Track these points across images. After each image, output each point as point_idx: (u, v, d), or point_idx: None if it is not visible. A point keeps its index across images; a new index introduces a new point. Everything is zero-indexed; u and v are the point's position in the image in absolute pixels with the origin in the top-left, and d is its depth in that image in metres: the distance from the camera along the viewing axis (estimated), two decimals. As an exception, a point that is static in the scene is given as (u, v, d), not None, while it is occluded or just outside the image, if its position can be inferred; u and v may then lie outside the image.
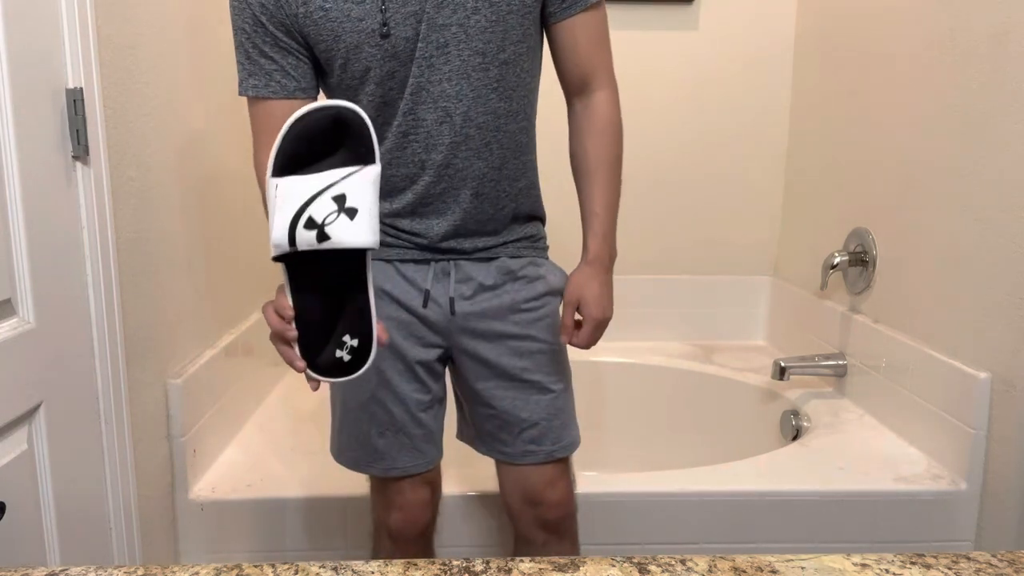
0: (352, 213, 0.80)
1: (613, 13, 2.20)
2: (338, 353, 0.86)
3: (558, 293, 1.24)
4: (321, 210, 0.79)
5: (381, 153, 1.11)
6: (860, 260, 1.91)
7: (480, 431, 1.27)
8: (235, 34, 1.09)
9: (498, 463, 1.28)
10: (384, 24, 1.05)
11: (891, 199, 1.81)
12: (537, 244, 1.25)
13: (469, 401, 1.27)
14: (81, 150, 1.18)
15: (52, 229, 1.13)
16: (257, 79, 1.09)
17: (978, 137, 1.52)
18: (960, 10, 1.57)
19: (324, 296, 0.86)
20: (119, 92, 1.31)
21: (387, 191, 1.15)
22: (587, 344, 1.20)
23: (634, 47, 2.25)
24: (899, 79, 1.77)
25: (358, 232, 0.80)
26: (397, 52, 1.07)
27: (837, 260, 1.91)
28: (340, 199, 0.80)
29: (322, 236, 0.79)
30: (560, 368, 1.25)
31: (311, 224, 0.79)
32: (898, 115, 1.78)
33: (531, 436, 1.23)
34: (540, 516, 1.26)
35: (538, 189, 1.25)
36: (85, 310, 1.22)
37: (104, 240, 1.24)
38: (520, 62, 1.13)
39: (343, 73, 1.09)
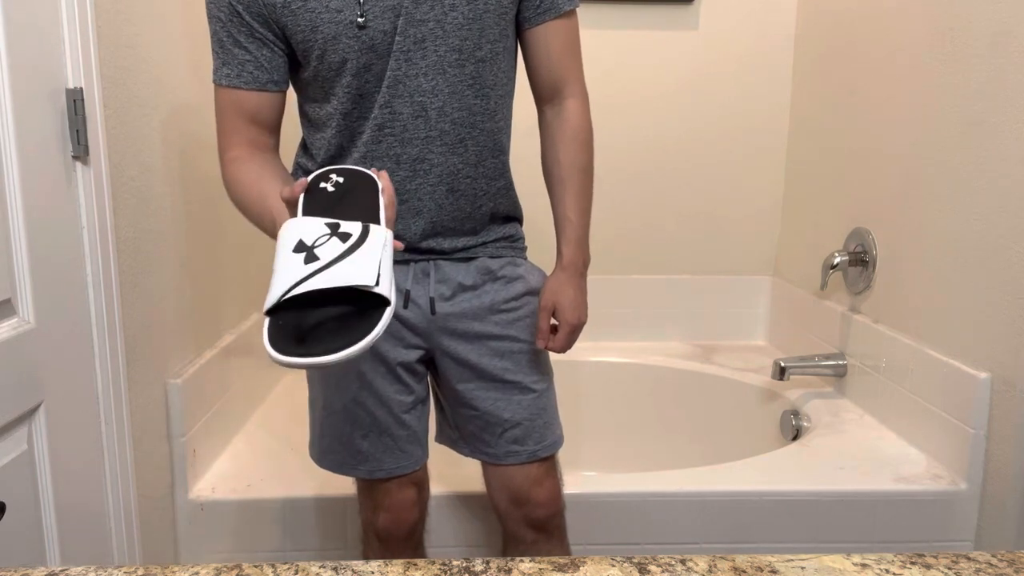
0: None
1: (613, 13, 2.22)
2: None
3: (537, 293, 1.25)
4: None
5: (357, 147, 1.13)
6: (860, 260, 1.91)
7: (463, 432, 1.28)
8: (210, 22, 1.09)
9: (483, 464, 1.29)
10: (362, 15, 1.06)
11: (891, 199, 1.81)
12: (516, 244, 1.27)
13: (451, 402, 1.27)
14: (81, 150, 1.18)
15: (52, 229, 1.13)
16: (230, 68, 1.10)
17: (978, 137, 1.52)
18: (960, 10, 1.57)
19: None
20: (119, 92, 1.31)
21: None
22: (563, 348, 1.23)
23: (634, 47, 2.25)
24: (899, 79, 1.77)
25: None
26: (375, 44, 1.08)
27: (837, 260, 1.92)
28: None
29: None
30: (541, 368, 1.25)
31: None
32: (898, 115, 1.78)
33: (514, 436, 1.23)
34: (528, 515, 1.26)
35: (515, 190, 1.26)
36: (85, 310, 1.22)
37: (104, 240, 1.24)
38: (497, 61, 1.14)
39: (320, 64, 1.09)
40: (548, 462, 1.27)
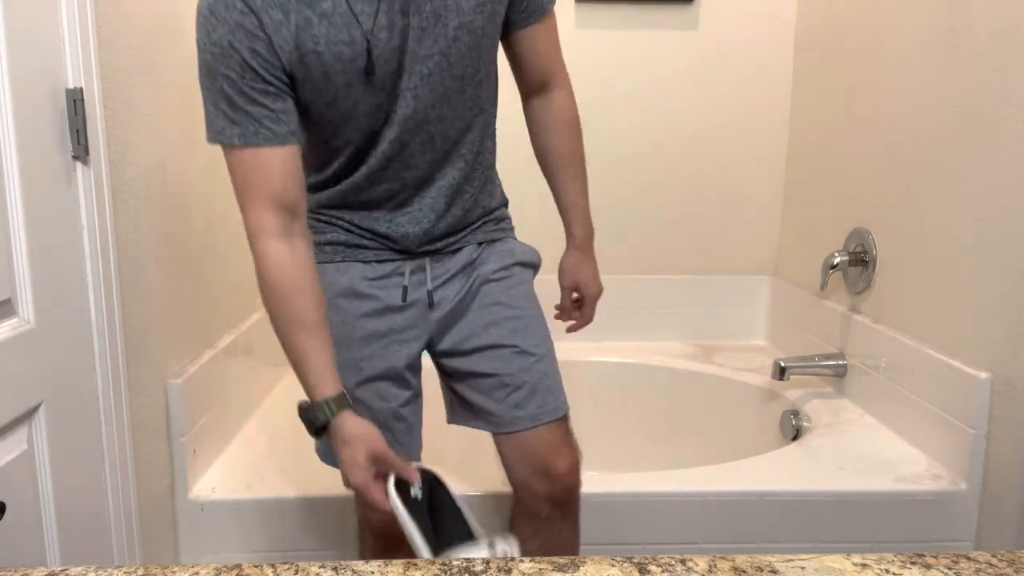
0: None
1: (613, 13, 2.23)
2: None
3: (529, 266, 1.30)
4: None
5: (362, 172, 1.14)
6: (860, 260, 1.91)
7: (471, 407, 1.28)
8: (213, 80, 1.01)
9: (495, 438, 1.27)
10: (370, 63, 1.05)
11: (891, 199, 1.81)
12: (502, 224, 1.30)
13: (454, 378, 1.28)
14: (81, 150, 1.18)
15: (52, 229, 1.13)
16: (244, 127, 1.03)
17: (978, 137, 1.52)
18: (960, 10, 1.57)
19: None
20: (119, 92, 1.31)
21: (365, 203, 1.18)
22: (590, 320, 1.37)
23: (634, 47, 2.25)
24: (899, 79, 1.77)
25: None
26: (385, 85, 1.08)
27: (837, 260, 1.92)
28: None
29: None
30: (538, 334, 1.26)
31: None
32: (898, 115, 1.78)
33: (516, 400, 1.23)
34: (548, 487, 1.24)
35: (499, 179, 1.31)
36: (85, 310, 1.22)
37: (104, 240, 1.24)
38: (490, 78, 1.18)
39: (328, 110, 1.08)
40: (561, 429, 1.25)
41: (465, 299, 1.24)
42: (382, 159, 1.13)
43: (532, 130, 1.30)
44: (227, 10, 0.99)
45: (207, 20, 1.00)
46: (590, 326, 1.37)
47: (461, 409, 1.31)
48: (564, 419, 1.27)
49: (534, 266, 1.32)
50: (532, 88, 1.27)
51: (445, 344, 1.25)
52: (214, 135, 1.05)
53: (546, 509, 1.26)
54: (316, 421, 1.08)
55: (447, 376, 1.30)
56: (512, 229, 1.33)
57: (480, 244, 1.27)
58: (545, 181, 1.33)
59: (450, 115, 1.13)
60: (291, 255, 1.07)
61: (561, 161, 1.29)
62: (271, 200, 1.05)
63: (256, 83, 1.02)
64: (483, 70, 1.14)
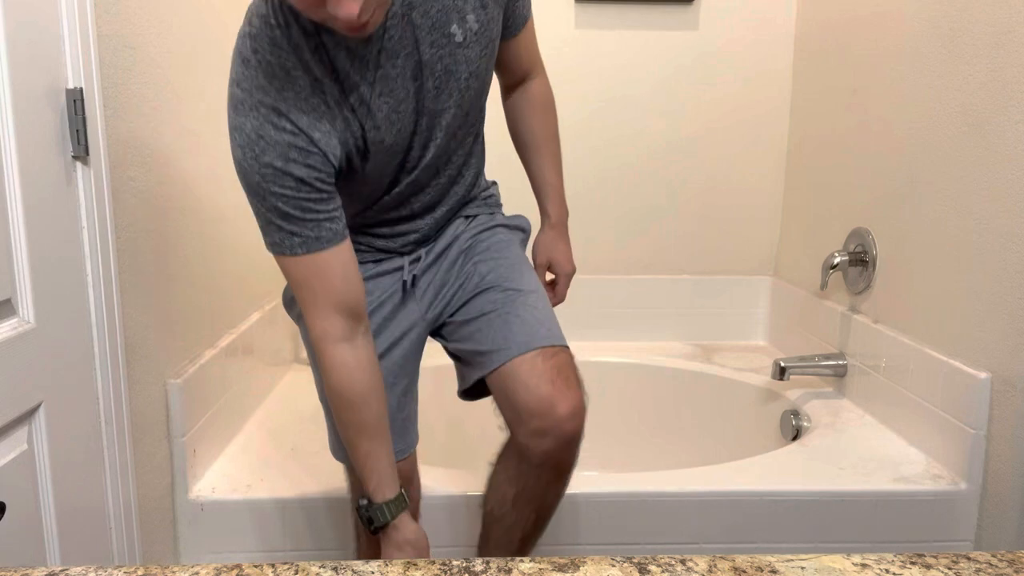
0: None
1: (613, 13, 2.22)
2: None
3: (516, 229, 1.32)
4: None
5: (375, 209, 1.17)
6: (860, 260, 1.91)
7: (467, 361, 1.23)
8: (264, 199, 1.01)
9: (490, 383, 1.19)
10: (386, 144, 1.06)
11: (891, 199, 1.81)
12: (488, 201, 1.32)
13: (451, 340, 1.26)
14: (81, 150, 1.18)
15: (52, 229, 1.13)
16: (303, 236, 1.03)
17: (978, 137, 1.52)
18: (960, 10, 1.57)
19: None
20: (119, 92, 1.31)
21: (371, 224, 1.20)
22: (563, 298, 1.36)
23: (634, 47, 2.25)
24: (899, 79, 1.77)
25: None
26: (407, 146, 1.10)
27: (837, 260, 1.92)
28: None
29: None
30: (525, 276, 1.23)
31: None
32: (898, 115, 1.78)
33: (504, 332, 1.16)
34: (545, 428, 1.14)
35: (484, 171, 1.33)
36: (85, 310, 1.22)
37: (104, 240, 1.24)
38: (486, 98, 1.20)
39: (357, 180, 1.09)
40: (558, 360, 1.15)
41: (451, 269, 1.25)
42: (395, 196, 1.16)
43: (510, 115, 1.33)
44: (277, 132, 0.98)
45: (254, 144, 0.98)
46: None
47: (465, 368, 1.25)
48: (562, 352, 1.17)
49: (522, 230, 1.32)
50: (513, 84, 1.31)
51: (442, 316, 1.26)
52: (273, 247, 1.06)
53: (538, 456, 1.17)
54: (375, 520, 1.14)
55: (448, 344, 1.27)
56: (499, 206, 1.34)
57: (467, 218, 1.28)
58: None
59: (455, 146, 1.16)
60: (355, 358, 1.09)
61: (538, 142, 1.32)
62: (334, 304, 1.07)
63: (312, 194, 1.01)
64: (483, 99, 1.18)
